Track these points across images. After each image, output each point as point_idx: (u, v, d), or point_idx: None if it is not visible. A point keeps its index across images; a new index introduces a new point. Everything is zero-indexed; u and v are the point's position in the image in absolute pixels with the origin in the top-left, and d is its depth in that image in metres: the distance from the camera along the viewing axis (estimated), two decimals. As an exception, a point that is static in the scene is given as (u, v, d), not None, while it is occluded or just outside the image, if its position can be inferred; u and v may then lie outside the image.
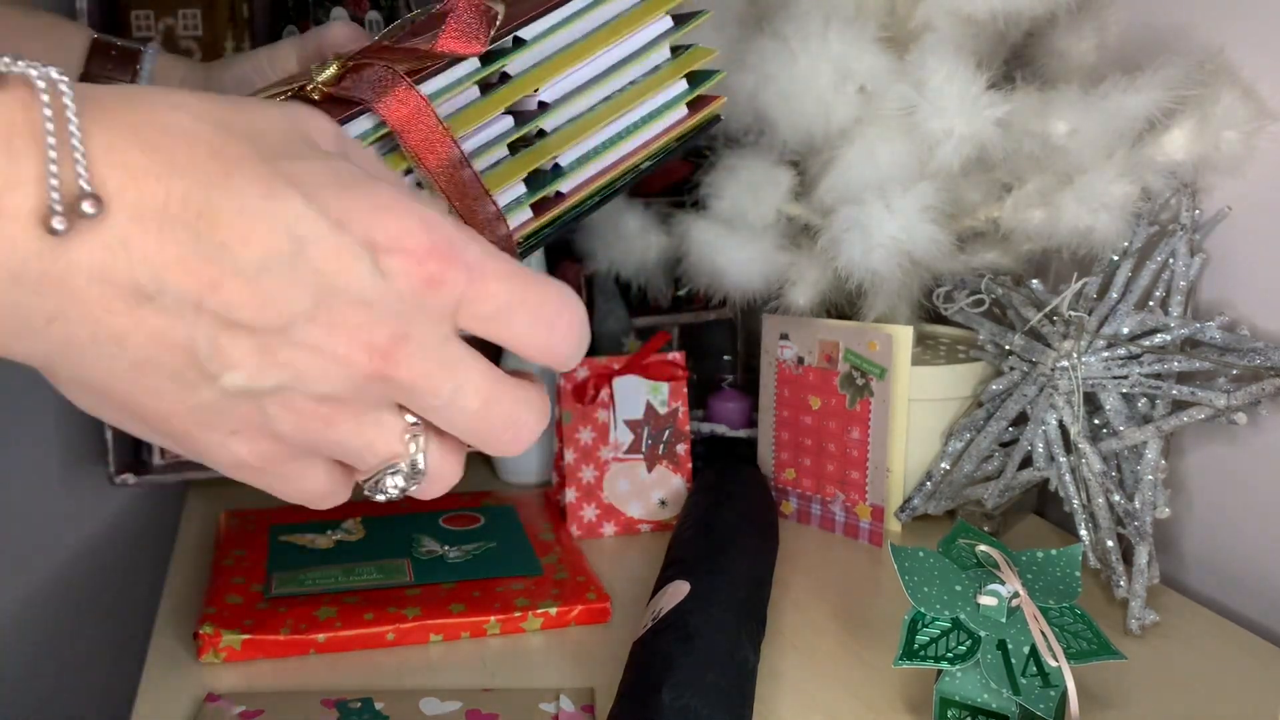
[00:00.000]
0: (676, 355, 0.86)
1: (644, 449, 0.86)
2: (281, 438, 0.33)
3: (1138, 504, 0.73)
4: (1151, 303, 0.77)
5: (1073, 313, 0.77)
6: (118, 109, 0.30)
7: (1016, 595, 0.57)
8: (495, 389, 0.35)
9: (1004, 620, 0.57)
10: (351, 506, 0.86)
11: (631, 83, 0.57)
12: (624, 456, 0.85)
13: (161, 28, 0.98)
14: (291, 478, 0.35)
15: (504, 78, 0.53)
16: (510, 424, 0.35)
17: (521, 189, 0.54)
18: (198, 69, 0.64)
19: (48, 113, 0.28)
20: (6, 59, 0.28)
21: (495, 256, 0.34)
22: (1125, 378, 0.75)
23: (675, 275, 0.91)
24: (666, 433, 0.86)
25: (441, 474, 0.36)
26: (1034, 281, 0.81)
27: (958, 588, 0.59)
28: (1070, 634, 0.57)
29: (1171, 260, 0.76)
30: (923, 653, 0.57)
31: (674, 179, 0.99)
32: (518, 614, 0.70)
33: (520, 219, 0.53)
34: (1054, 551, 0.62)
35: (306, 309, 0.31)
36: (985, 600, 0.57)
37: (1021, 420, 0.82)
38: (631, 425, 0.85)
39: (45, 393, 1.05)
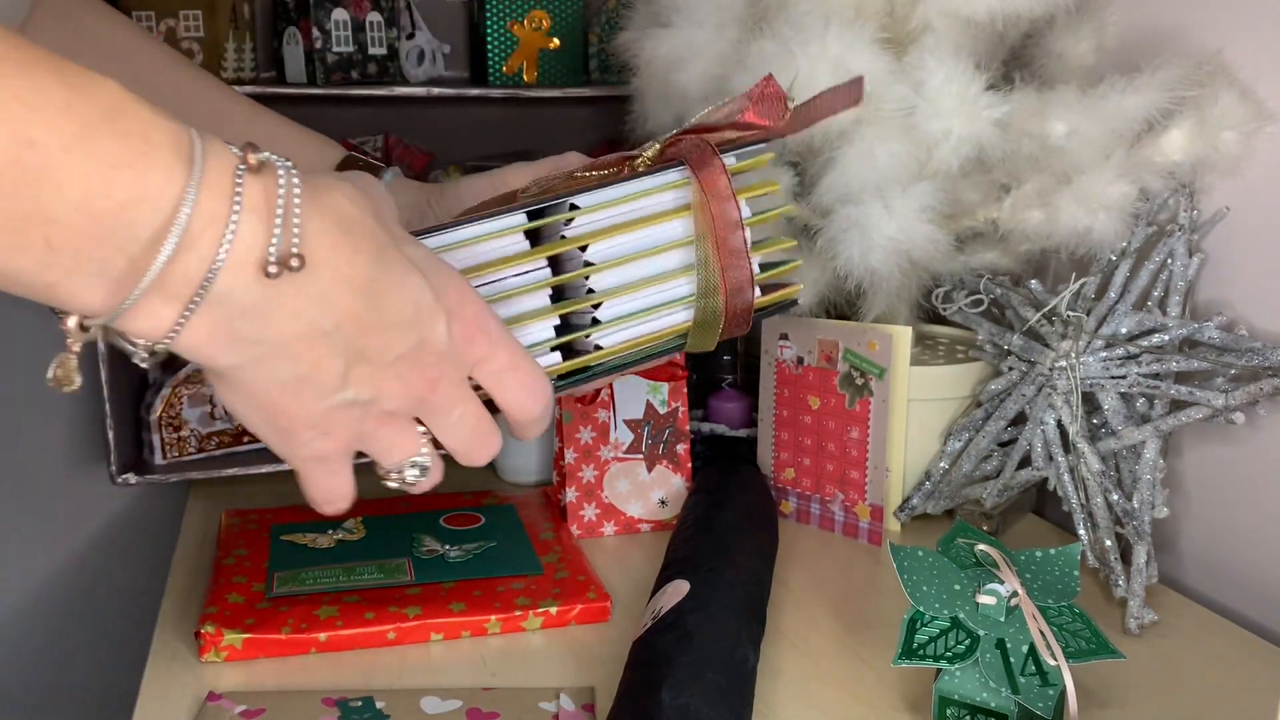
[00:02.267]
0: (677, 355, 0.86)
1: (644, 449, 0.86)
2: (350, 438, 0.46)
3: (1136, 503, 0.73)
4: (1150, 303, 0.77)
5: (1071, 313, 0.77)
6: (327, 200, 0.42)
7: (1015, 594, 0.58)
8: (481, 416, 0.49)
9: (1003, 619, 0.57)
10: (353, 506, 0.86)
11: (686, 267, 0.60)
12: (624, 456, 0.86)
13: (163, 28, 0.98)
14: (338, 472, 0.47)
15: (572, 207, 0.57)
16: (484, 444, 0.50)
17: (550, 333, 0.57)
18: (425, 190, 0.74)
19: (281, 193, 0.40)
20: (266, 154, 0.40)
21: (504, 332, 0.48)
22: (1123, 378, 0.75)
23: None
24: (666, 432, 0.86)
25: (437, 470, 0.50)
26: (1032, 282, 0.82)
27: (957, 587, 0.59)
28: (1069, 633, 0.57)
29: (1170, 260, 0.76)
30: (922, 651, 0.57)
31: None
32: (518, 613, 0.70)
33: (546, 362, 0.56)
34: (1052, 551, 0.62)
35: (405, 352, 0.44)
36: (984, 599, 0.57)
37: (1020, 420, 0.82)
38: (631, 425, 0.86)
39: (48, 393, 1.05)
